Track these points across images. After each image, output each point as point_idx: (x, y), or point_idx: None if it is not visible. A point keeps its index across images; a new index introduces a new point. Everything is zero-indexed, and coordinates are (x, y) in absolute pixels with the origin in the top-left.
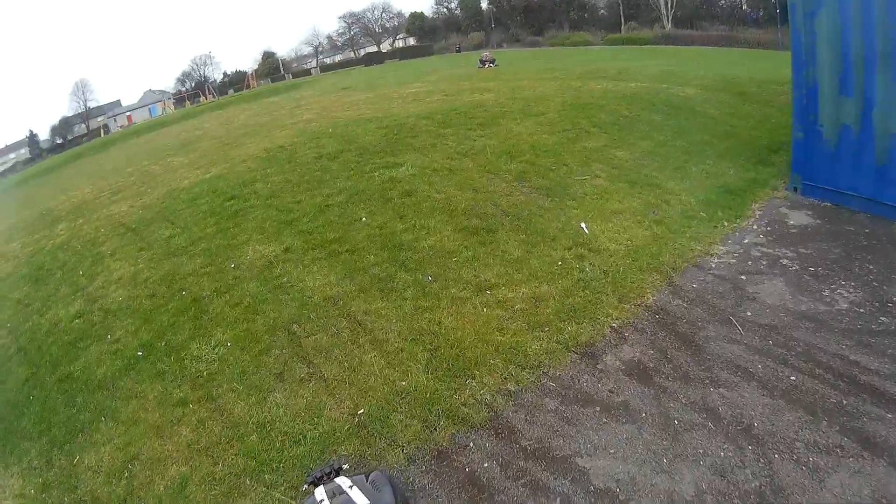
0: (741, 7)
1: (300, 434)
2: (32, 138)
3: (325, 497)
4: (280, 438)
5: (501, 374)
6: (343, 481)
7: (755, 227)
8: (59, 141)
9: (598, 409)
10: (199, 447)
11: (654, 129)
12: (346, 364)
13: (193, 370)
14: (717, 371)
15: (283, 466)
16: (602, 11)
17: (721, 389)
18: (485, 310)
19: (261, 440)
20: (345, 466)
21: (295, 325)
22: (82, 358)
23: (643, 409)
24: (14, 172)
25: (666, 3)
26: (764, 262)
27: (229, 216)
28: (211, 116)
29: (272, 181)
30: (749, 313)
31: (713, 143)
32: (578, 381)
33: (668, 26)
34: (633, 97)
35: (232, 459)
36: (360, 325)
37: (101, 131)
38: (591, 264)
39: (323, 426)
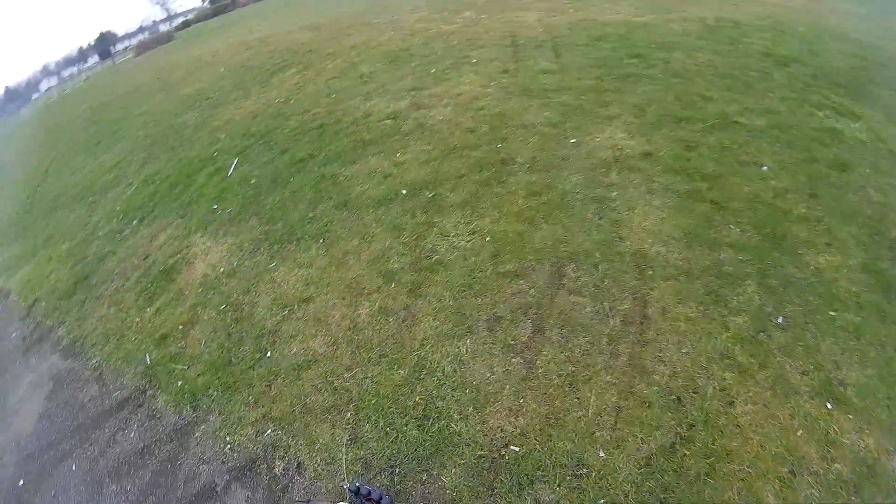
0: None
1: (434, 414)
2: None
3: None
4: (414, 403)
5: None
6: None
7: None
8: None
9: None
10: (352, 340)
11: None
12: (568, 371)
13: (427, 248)
14: None
15: (380, 454)
16: None
17: None
18: (799, 432)
19: (397, 389)
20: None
21: (572, 266)
22: (357, 164)
23: None
24: None
25: None
26: None
27: (616, 77)
28: None
29: (696, 57)
30: None
31: None
32: None
33: None
34: None
35: (359, 381)
36: (645, 321)
37: None
38: None
39: (462, 428)
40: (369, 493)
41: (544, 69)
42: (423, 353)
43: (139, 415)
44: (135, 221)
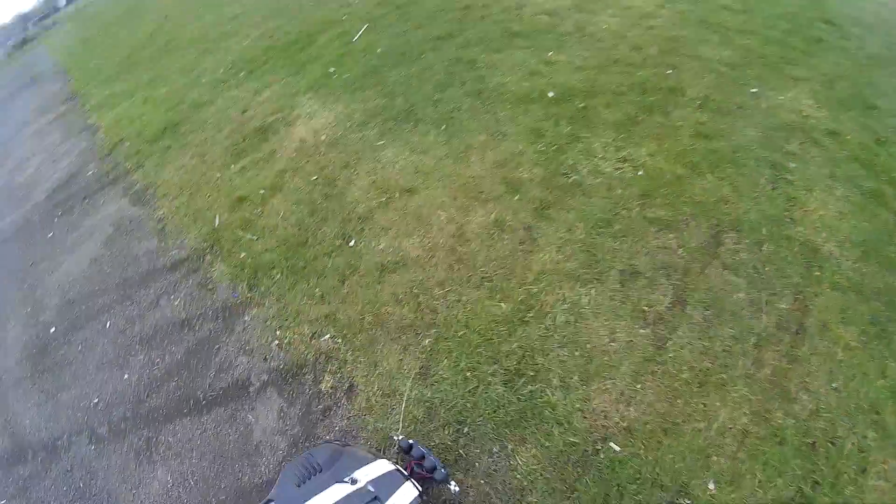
0: None
1: (530, 372)
2: None
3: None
4: (509, 350)
5: None
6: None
7: None
8: None
9: None
10: (453, 250)
11: None
12: (703, 366)
13: (566, 164)
14: None
15: (451, 403)
16: None
17: None
18: None
19: (493, 326)
20: (453, 487)
21: (732, 235)
22: (502, 54)
23: None
24: None
25: None
26: None
27: (806, 38)
28: None
29: (893, 47)
30: None
31: None
32: None
33: None
34: None
35: (450, 303)
36: (801, 332)
37: None
38: None
39: (558, 400)
40: (422, 456)
41: (726, 6)
42: (534, 290)
43: (190, 281)
44: (242, 73)
